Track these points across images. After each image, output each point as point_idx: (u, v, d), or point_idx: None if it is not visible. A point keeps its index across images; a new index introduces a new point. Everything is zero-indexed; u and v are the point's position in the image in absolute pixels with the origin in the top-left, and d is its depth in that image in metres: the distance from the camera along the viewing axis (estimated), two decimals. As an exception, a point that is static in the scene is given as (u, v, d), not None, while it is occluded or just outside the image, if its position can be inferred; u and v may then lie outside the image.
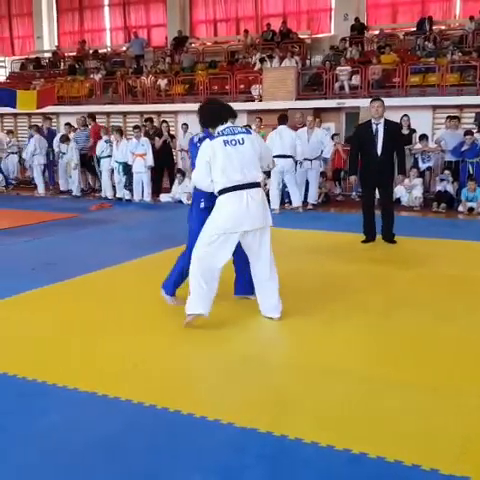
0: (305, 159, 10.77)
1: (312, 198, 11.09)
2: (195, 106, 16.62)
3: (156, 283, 5.16)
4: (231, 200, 4.36)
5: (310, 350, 4.08)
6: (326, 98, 15.88)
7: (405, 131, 11.39)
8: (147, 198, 12.01)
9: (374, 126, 7.55)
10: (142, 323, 4.62)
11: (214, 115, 4.59)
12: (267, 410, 3.19)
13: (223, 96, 17.15)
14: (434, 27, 17.15)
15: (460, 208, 10.40)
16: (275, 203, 10.56)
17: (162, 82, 18.01)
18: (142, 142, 11.86)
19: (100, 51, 22.28)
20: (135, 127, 12.37)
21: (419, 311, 4.92)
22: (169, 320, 4.70)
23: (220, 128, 4.49)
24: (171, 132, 14.20)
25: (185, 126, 13.75)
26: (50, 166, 14.14)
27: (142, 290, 5.48)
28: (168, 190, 12.36)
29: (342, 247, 7.42)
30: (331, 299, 5.26)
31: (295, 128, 10.94)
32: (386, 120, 7.60)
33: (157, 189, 12.61)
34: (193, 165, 4.75)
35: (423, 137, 11.69)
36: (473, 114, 13.66)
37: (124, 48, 21.88)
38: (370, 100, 7.96)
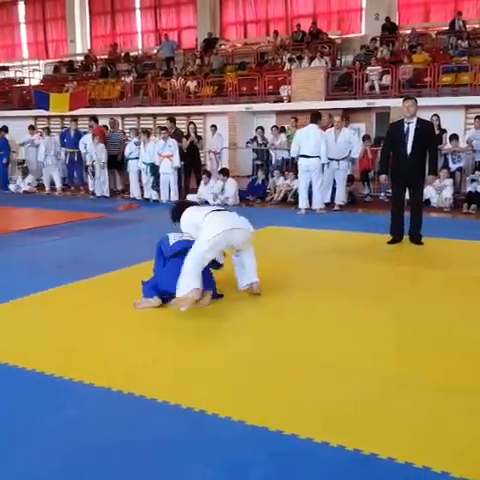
0: (332, 159, 10.70)
1: (339, 199, 11.01)
2: (223, 107, 16.88)
3: None
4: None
5: (324, 348, 4.05)
6: (356, 98, 15.75)
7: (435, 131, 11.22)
8: (174, 198, 12.08)
9: (406, 125, 7.48)
10: (159, 321, 4.65)
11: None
12: (278, 408, 3.17)
13: (251, 97, 17.21)
14: (467, 26, 16.88)
15: (491, 209, 10.22)
16: (302, 203, 10.53)
17: (191, 84, 18.10)
18: (169, 143, 11.94)
19: (131, 54, 22.49)
20: (162, 128, 12.46)
21: (443, 312, 4.84)
22: (185, 319, 4.72)
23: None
24: (200, 133, 14.27)
25: (213, 127, 13.80)
26: (75, 167, 14.35)
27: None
28: (195, 191, 12.41)
29: (368, 248, 7.36)
30: (351, 298, 5.22)
31: (323, 130, 10.87)
32: (419, 119, 7.50)
33: (184, 190, 12.68)
34: None
35: (453, 137, 11.51)
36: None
37: (155, 51, 22.06)
38: (402, 99, 7.88)
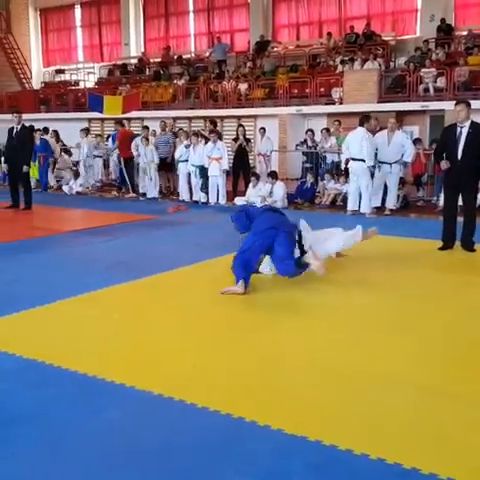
0: (384, 162, 10.54)
1: (391, 203, 10.82)
2: (274, 110, 16.86)
3: (222, 285, 5.34)
4: None
5: (366, 355, 3.98)
6: (410, 101, 15.51)
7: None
8: (222, 201, 12.13)
9: (458, 129, 7.33)
10: (203, 324, 4.65)
11: None
12: (318, 418, 3.12)
13: (302, 99, 17.14)
14: None
15: None
16: (350, 205, 10.47)
17: (242, 86, 18.14)
18: (218, 146, 11.98)
19: (184, 57, 22.73)
20: (211, 131, 12.54)
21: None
22: (229, 322, 4.74)
23: None
24: (250, 136, 14.28)
25: (262, 130, 13.78)
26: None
27: (208, 291, 5.53)
28: (243, 193, 12.42)
29: (417, 254, 7.19)
30: (397, 304, 5.13)
31: (372, 133, 10.74)
32: (473, 123, 7.30)
33: (233, 192, 12.71)
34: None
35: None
36: None
37: (207, 53, 22.21)
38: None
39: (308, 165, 13.67)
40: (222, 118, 17.98)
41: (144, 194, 13.50)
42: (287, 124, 16.77)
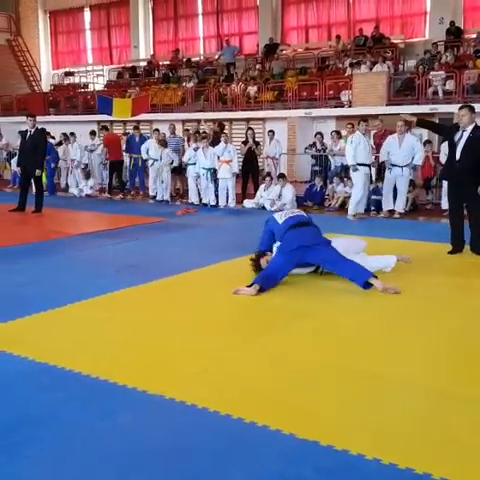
0: (395, 165, 10.56)
1: (400, 206, 10.82)
2: (283, 113, 16.85)
3: (234, 287, 5.48)
4: None
5: (377, 360, 3.98)
6: (419, 103, 15.48)
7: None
8: (232, 204, 12.15)
9: (460, 131, 7.37)
10: (214, 327, 4.67)
11: None
12: (330, 423, 3.13)
13: (311, 102, 17.14)
14: None
15: None
16: (354, 208, 10.56)
17: (251, 89, 18.16)
18: (229, 149, 12.01)
19: (193, 59, 22.77)
20: (215, 133, 12.56)
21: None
22: (241, 325, 4.76)
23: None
24: (259, 139, 14.30)
25: (271, 133, 13.78)
26: (139, 172, 14.63)
27: (220, 294, 5.57)
28: (252, 196, 12.43)
29: (425, 257, 7.17)
30: (406, 307, 5.14)
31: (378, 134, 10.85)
32: (476, 127, 7.31)
33: (242, 195, 12.73)
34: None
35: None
36: None
37: (216, 56, 22.24)
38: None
39: (317, 168, 13.68)
40: (231, 121, 18.00)
41: (154, 197, 13.53)
42: (296, 127, 16.77)
